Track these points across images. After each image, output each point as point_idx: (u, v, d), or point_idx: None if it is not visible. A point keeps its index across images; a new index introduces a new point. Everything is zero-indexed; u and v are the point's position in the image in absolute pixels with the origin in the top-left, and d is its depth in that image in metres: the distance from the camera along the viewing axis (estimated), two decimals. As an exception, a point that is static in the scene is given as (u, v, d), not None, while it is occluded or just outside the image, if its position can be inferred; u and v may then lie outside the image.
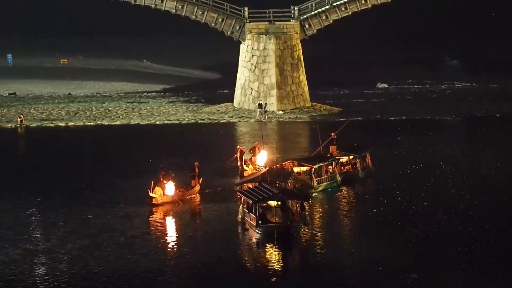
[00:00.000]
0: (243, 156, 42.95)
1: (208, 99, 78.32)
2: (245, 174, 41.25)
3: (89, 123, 64.63)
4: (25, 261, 28.98)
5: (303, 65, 70.15)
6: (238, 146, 44.69)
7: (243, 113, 67.40)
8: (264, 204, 33.27)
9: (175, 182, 37.89)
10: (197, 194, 38.81)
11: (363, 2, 69.29)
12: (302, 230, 32.15)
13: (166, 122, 65.02)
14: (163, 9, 69.89)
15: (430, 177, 41.81)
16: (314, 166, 39.72)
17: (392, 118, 65.14)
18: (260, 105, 65.46)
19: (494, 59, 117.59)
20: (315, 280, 26.96)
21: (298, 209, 33.06)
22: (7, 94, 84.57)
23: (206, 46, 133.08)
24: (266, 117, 64.79)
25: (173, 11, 69.87)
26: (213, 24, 70.04)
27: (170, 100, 79.56)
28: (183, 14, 70.05)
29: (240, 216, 33.94)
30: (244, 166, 42.09)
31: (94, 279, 27.05)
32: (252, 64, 68.85)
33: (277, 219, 32.30)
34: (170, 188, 37.33)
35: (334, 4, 69.47)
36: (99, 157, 50.80)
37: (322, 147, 43.50)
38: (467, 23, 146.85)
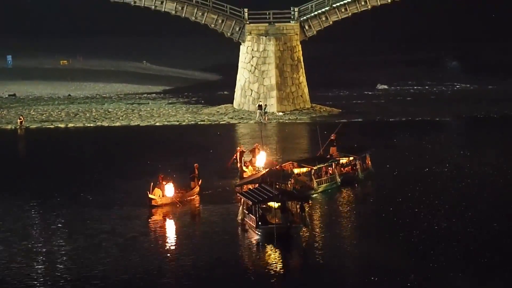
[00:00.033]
0: (243, 157, 42.93)
1: (208, 101, 78.31)
2: (244, 176, 41.26)
3: (89, 125, 64.61)
4: (24, 262, 28.96)
5: (303, 66, 70.15)
6: (238, 147, 44.67)
7: (243, 115, 67.39)
8: (264, 205, 33.26)
9: (175, 183, 37.87)
10: (197, 195, 38.78)
11: (362, 3, 69.28)
12: (302, 231, 32.13)
13: (166, 123, 65.01)
14: (163, 10, 69.90)
15: (430, 178, 41.80)
16: (314, 168, 39.72)
17: (392, 119, 65.13)
18: (260, 107, 65.44)
19: (494, 60, 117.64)
20: (315, 281, 26.94)
21: (298, 210, 33.04)
22: (7, 96, 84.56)
23: (206, 48, 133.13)
24: (266, 118, 64.78)
25: (173, 12, 69.88)
26: (213, 26, 70.04)
27: (170, 101, 79.55)
28: (183, 15, 70.06)
29: (240, 217, 33.91)
30: (244, 168, 42.09)
31: (94, 281, 27.02)
32: (252, 65, 68.85)
33: (277, 220, 32.28)
34: (169, 189, 37.31)
35: (334, 5, 69.45)
36: (98, 158, 50.77)
37: (323, 150, 43.43)
38: (467, 24, 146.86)
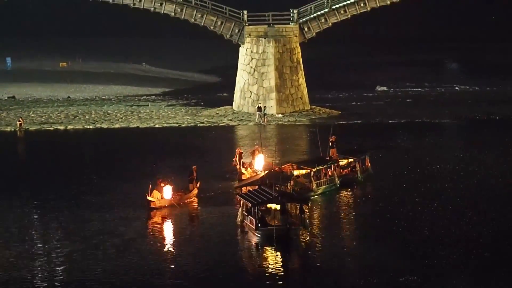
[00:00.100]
0: (242, 159, 42.89)
1: (207, 102, 78.27)
2: (243, 178, 41.23)
3: (88, 127, 64.58)
4: (23, 264, 28.93)
5: (302, 68, 70.12)
6: (238, 149, 44.63)
7: (242, 116, 67.35)
8: (264, 207, 33.22)
9: (173, 185, 37.84)
10: (195, 197, 38.73)
11: (362, 5, 69.24)
12: (301, 233, 32.10)
13: (165, 125, 64.97)
14: (162, 12, 69.87)
15: (430, 180, 41.76)
16: (313, 169, 39.70)
17: (391, 121, 65.08)
18: (259, 108, 65.40)
19: (494, 62, 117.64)
20: (315, 282, 26.91)
21: (297, 212, 33.05)
22: (6, 98, 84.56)
23: (205, 49, 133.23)
24: (265, 120, 64.74)
25: (172, 14, 69.84)
26: (212, 27, 70.00)
27: (169, 103, 79.53)
28: (182, 17, 70.02)
29: (239, 219, 33.88)
30: (243, 169, 42.05)
31: (92, 282, 26.98)
32: (251, 67, 68.81)
33: (276, 222, 32.24)
34: (168, 191, 37.26)
35: (333, 7, 69.43)
36: (98, 160, 50.76)
37: (329, 154, 43.31)
38: (467, 26, 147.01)
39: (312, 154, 47.05)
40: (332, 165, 41.22)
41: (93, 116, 69.82)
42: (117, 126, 64.79)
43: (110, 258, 29.54)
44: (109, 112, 72.25)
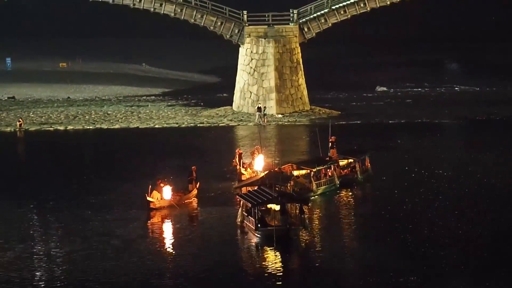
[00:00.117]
0: (242, 160, 42.87)
1: (207, 103, 78.23)
2: (242, 178, 41.21)
3: (88, 127, 64.56)
4: (23, 264, 28.93)
5: (302, 68, 70.10)
6: (237, 149, 44.62)
7: (242, 117, 67.34)
8: (263, 208, 33.21)
9: (173, 186, 37.83)
10: (195, 198, 38.71)
11: (362, 5, 69.22)
12: (301, 233, 32.09)
13: (165, 125, 64.96)
14: (162, 12, 69.86)
15: (429, 180, 41.76)
16: (313, 170, 39.69)
17: (391, 121, 65.07)
18: (259, 109, 65.38)
19: (494, 62, 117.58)
20: (315, 282, 26.90)
21: (297, 212, 33.04)
22: (6, 98, 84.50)
23: (205, 50, 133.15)
24: (265, 120, 64.73)
25: (172, 14, 69.82)
26: (212, 28, 69.98)
27: (169, 103, 79.50)
28: (182, 17, 70.00)
29: (239, 220, 33.87)
30: (242, 170, 42.03)
31: (92, 283, 26.97)
32: (251, 67, 68.80)
33: (276, 223, 32.24)
34: (167, 192, 37.25)
35: (333, 7, 69.42)
36: (97, 160, 50.76)
37: (330, 155, 43.27)
38: (467, 26, 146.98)
39: (312, 155, 47.04)
40: (332, 166, 41.21)
41: (93, 116, 69.81)
42: (117, 126, 64.77)
43: (110, 258, 29.54)
44: (109, 112, 72.23)
